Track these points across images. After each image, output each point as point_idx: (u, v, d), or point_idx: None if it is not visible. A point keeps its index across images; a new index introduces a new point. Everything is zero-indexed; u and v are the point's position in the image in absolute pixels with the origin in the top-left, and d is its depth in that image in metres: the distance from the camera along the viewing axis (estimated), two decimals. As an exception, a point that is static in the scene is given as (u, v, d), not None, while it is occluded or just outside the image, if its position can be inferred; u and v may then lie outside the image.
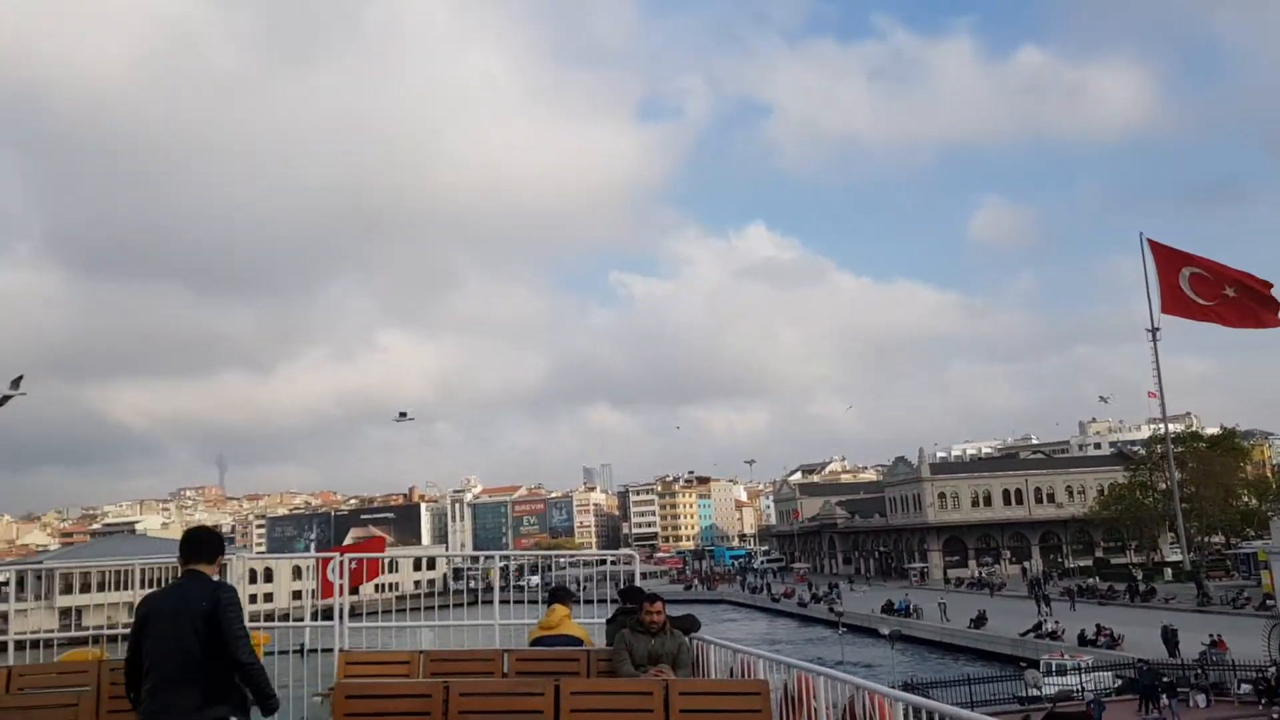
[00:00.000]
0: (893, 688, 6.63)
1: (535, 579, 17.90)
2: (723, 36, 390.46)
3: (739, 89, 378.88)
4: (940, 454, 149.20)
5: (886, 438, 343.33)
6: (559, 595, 8.68)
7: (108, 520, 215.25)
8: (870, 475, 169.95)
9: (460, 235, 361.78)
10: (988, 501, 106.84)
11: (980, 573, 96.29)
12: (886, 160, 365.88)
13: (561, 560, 16.75)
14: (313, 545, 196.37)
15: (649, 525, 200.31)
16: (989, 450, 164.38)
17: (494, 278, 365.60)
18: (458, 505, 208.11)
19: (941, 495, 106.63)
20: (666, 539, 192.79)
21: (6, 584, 78.58)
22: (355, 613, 10.13)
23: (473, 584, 54.17)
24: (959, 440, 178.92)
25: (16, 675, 7.17)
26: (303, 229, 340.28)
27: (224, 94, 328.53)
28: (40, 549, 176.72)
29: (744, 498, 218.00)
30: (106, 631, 9.63)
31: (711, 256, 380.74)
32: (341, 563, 10.10)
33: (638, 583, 10.06)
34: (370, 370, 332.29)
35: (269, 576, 66.64)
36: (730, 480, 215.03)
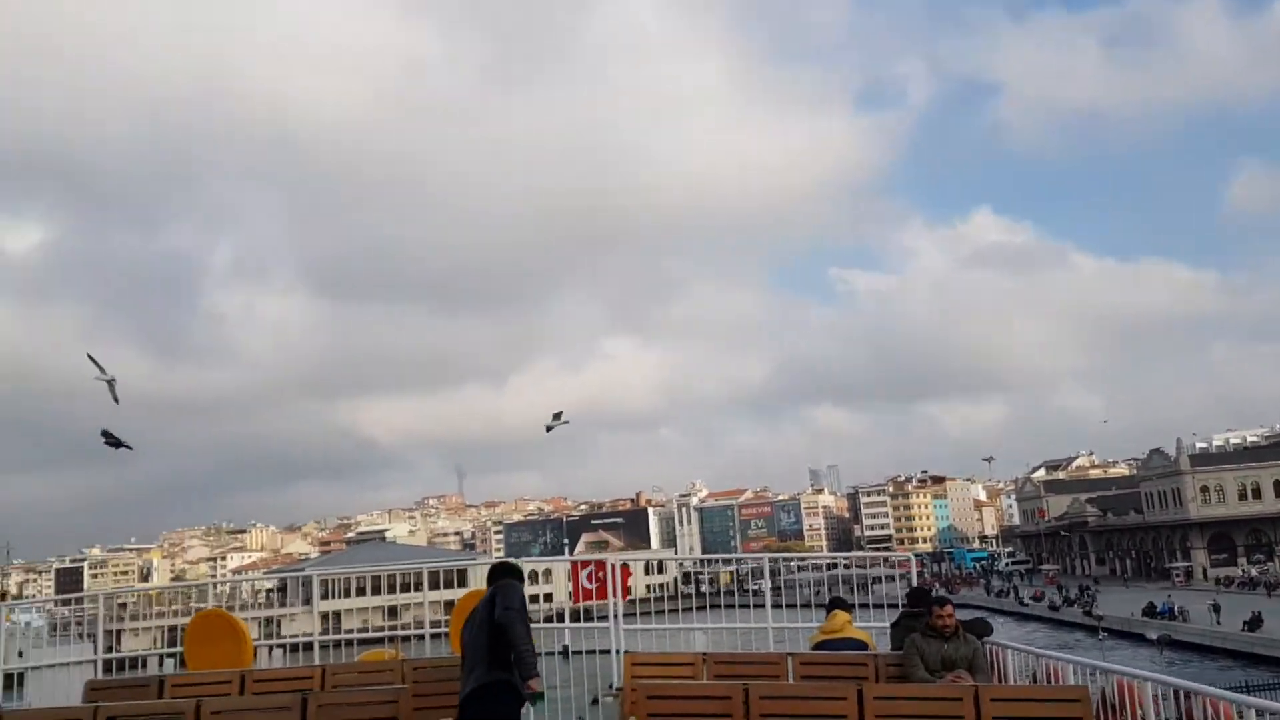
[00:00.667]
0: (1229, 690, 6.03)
1: (765, 583, 17.89)
2: (943, 17, 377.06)
3: (963, 70, 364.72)
4: (1200, 444, 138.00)
5: (1138, 429, 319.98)
6: (838, 602, 8.69)
7: (360, 529, 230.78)
8: (1122, 470, 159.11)
9: (680, 240, 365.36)
10: (1257, 494, 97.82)
11: (1252, 571, 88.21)
12: (1127, 132, 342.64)
13: (792, 563, 16.71)
14: (548, 550, 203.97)
15: (881, 527, 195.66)
16: (1255, 439, 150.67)
17: (714, 281, 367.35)
18: (684, 509, 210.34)
19: (1204, 489, 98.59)
20: (901, 541, 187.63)
21: (277, 590, 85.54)
22: (604, 616, 10.35)
23: (702, 588, 54.44)
24: (1220, 429, 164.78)
25: (330, 674, 7.54)
26: (531, 244, 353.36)
27: (453, 119, 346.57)
28: (302, 557, 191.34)
29: (983, 497, 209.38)
30: (401, 632, 10.27)
31: (937, 246, 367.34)
32: (613, 566, 10.18)
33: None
34: (597, 378, 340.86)
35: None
36: (967, 479, 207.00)
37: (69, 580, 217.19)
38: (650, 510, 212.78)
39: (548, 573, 52.66)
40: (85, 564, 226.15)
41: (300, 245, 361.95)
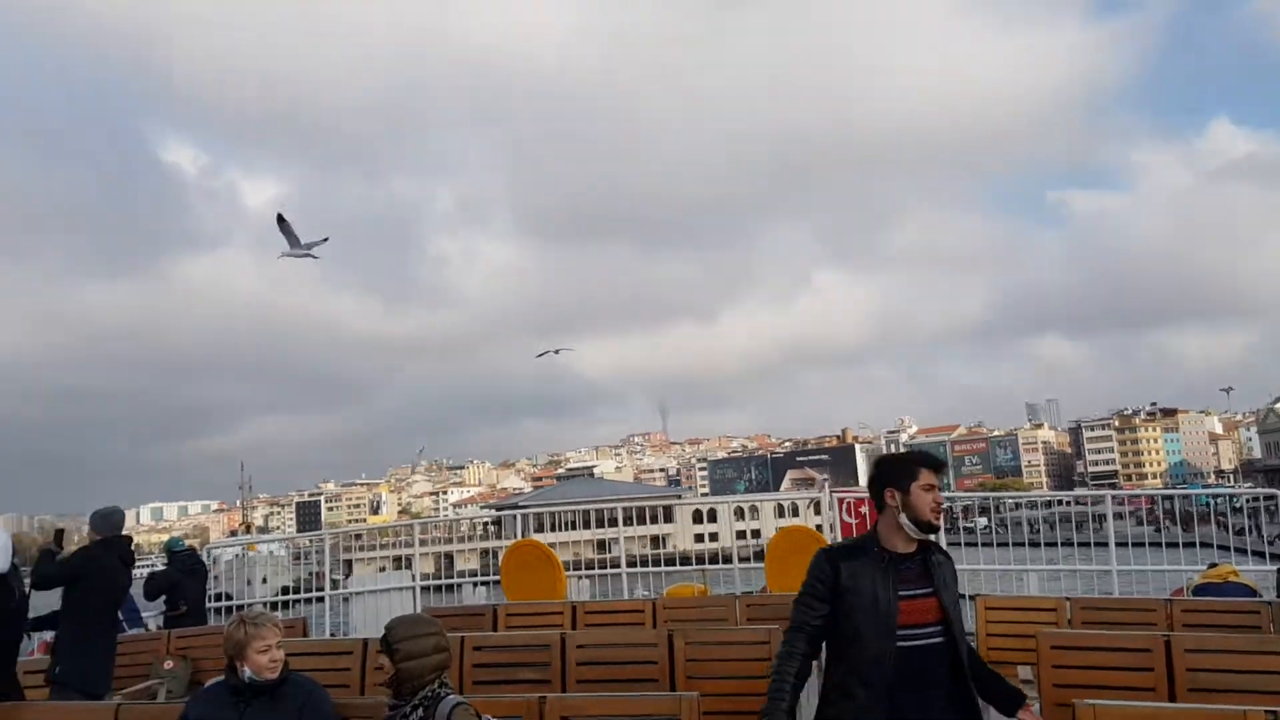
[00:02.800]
0: None
1: (984, 520, 16.70)
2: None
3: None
4: None
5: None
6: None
7: (570, 465, 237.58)
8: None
9: (894, 166, 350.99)
10: None
11: None
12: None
13: (1009, 501, 15.30)
14: (753, 487, 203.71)
15: (1106, 463, 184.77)
16: None
17: (929, 208, 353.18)
18: (893, 446, 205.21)
19: None
20: (1128, 477, 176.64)
21: (494, 524, 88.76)
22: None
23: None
24: None
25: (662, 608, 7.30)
26: (741, 177, 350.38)
27: (662, 53, 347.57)
28: (515, 491, 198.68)
29: (1219, 430, 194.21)
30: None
31: (1174, 162, 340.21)
32: (852, 503, 9.13)
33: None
34: (806, 313, 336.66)
35: (712, 517, 69.34)
36: (1201, 411, 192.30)
37: (307, 513, 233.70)
38: (857, 447, 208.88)
39: (754, 509, 52.03)
40: (321, 498, 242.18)
41: (516, 190, 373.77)
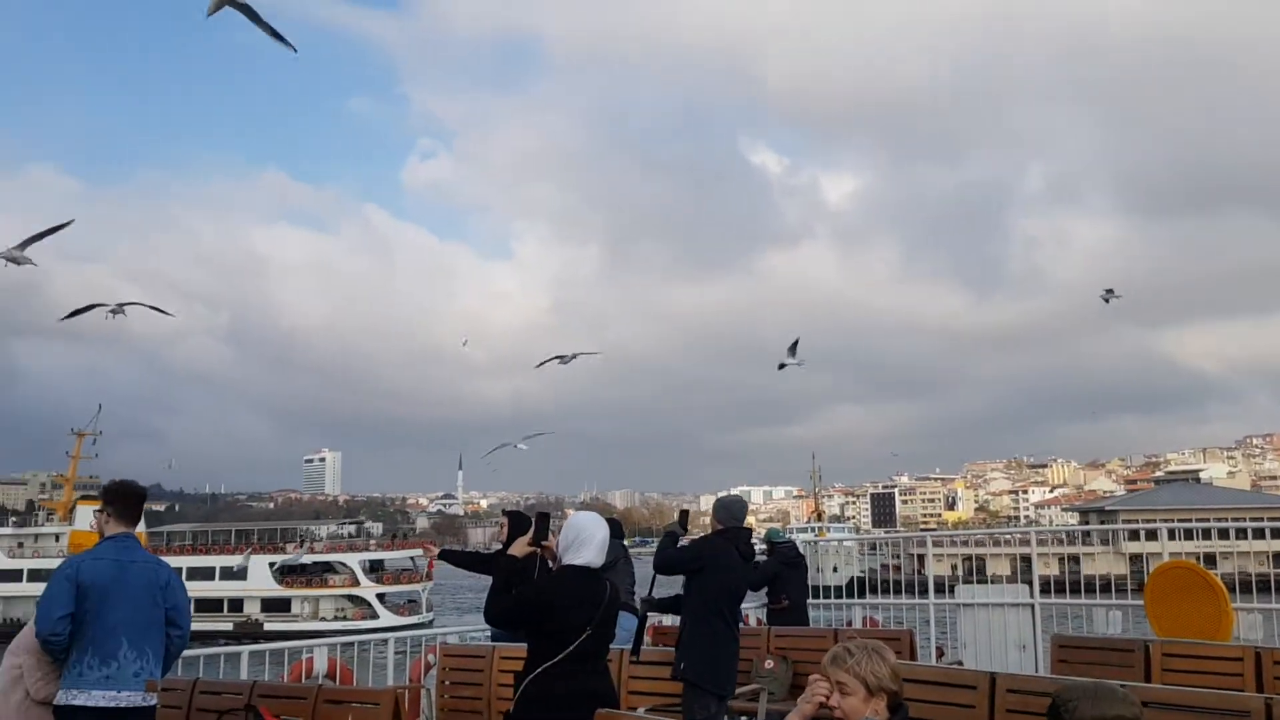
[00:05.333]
0: None
1: None
2: None
3: None
4: None
5: None
6: None
7: (1170, 468, 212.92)
8: None
9: None
10: None
11: None
12: None
13: None
14: None
15: None
16: None
17: None
18: None
19: None
20: None
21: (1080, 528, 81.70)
22: None
23: None
24: None
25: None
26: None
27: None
28: (1105, 494, 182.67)
29: None
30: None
31: None
32: None
33: None
34: None
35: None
36: None
37: (882, 505, 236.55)
38: None
39: None
40: (895, 491, 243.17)
41: (1111, 161, 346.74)
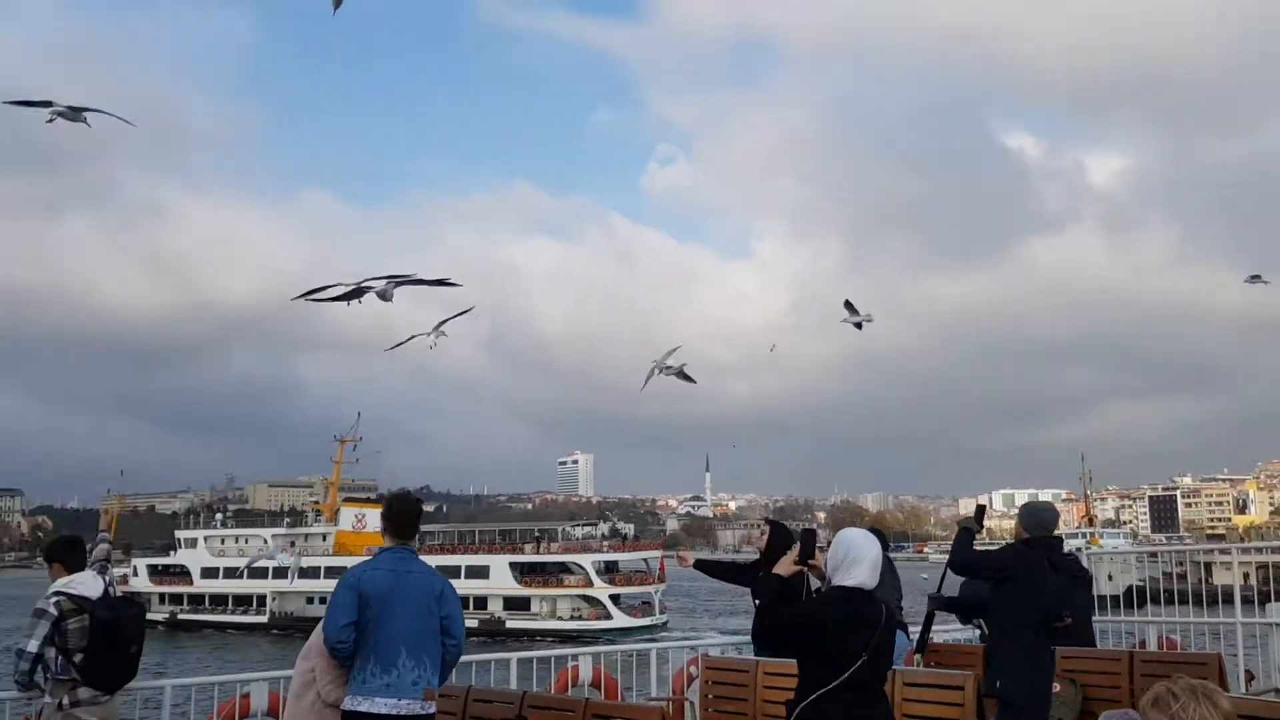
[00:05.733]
0: None
1: None
2: None
3: None
4: None
5: None
6: None
7: None
8: None
9: None
10: None
11: None
12: None
13: None
14: None
15: None
16: None
17: None
18: None
19: None
20: None
21: None
22: None
23: None
24: None
25: None
26: None
27: None
28: None
29: None
30: None
31: None
32: None
33: None
34: None
35: None
36: None
37: (1162, 509, 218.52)
38: None
39: None
40: (1178, 493, 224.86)
41: None
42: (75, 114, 12.91)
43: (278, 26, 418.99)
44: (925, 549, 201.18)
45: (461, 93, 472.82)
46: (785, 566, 4.64)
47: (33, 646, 5.99)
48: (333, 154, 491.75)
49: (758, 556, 7.58)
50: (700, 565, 8.11)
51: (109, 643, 6.14)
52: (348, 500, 74.44)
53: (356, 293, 14.19)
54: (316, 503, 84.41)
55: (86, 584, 6.25)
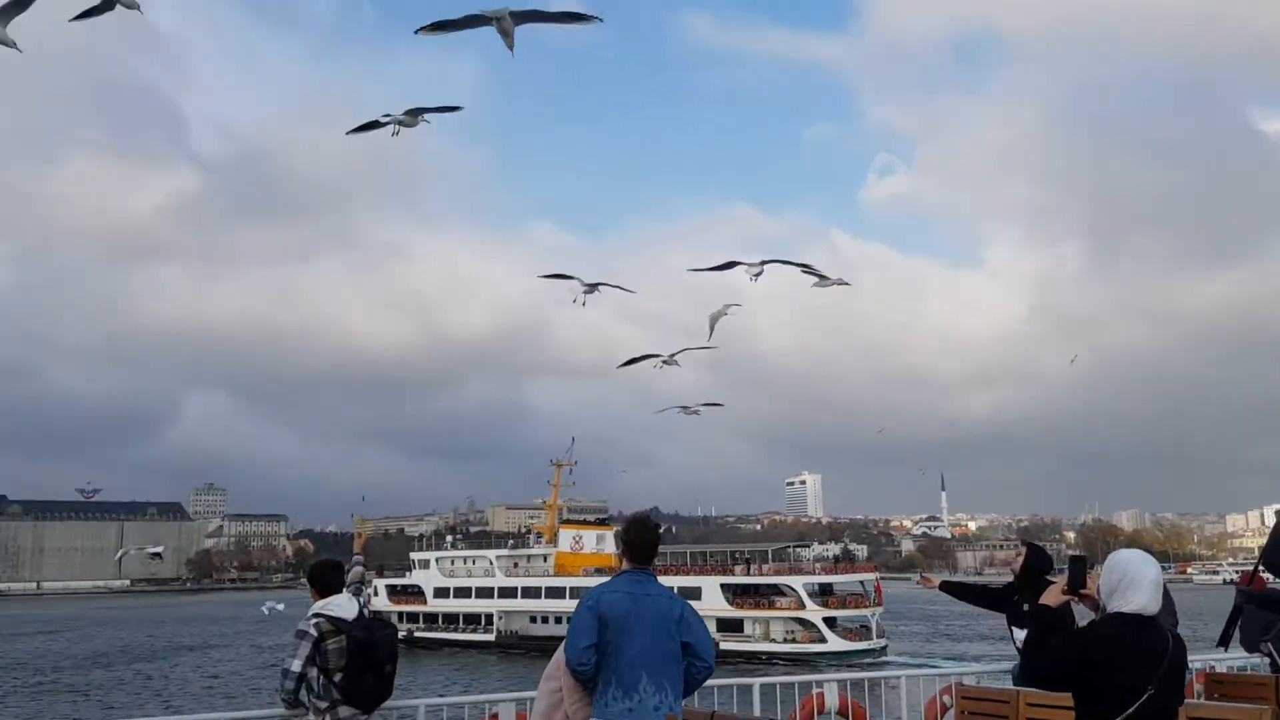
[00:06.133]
0: None
1: None
2: None
3: None
4: None
5: None
6: None
7: None
8: None
9: None
10: None
11: None
12: None
13: None
14: None
15: None
16: None
17: None
18: None
19: None
20: None
21: None
22: None
23: None
24: None
25: None
26: None
27: None
28: None
29: None
30: None
31: None
32: None
33: None
34: None
35: None
36: None
37: None
38: None
39: None
40: None
41: None
42: (413, 118, 14.14)
43: (496, 69, 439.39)
44: (1189, 569, 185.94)
45: (672, 116, 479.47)
46: (1054, 596, 4.28)
47: (296, 666, 6.29)
48: (552, 186, 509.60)
49: (1010, 579, 7.34)
50: (946, 587, 7.85)
51: (365, 662, 6.40)
52: (565, 523, 76.43)
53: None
54: (537, 524, 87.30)
55: (343, 606, 6.54)
